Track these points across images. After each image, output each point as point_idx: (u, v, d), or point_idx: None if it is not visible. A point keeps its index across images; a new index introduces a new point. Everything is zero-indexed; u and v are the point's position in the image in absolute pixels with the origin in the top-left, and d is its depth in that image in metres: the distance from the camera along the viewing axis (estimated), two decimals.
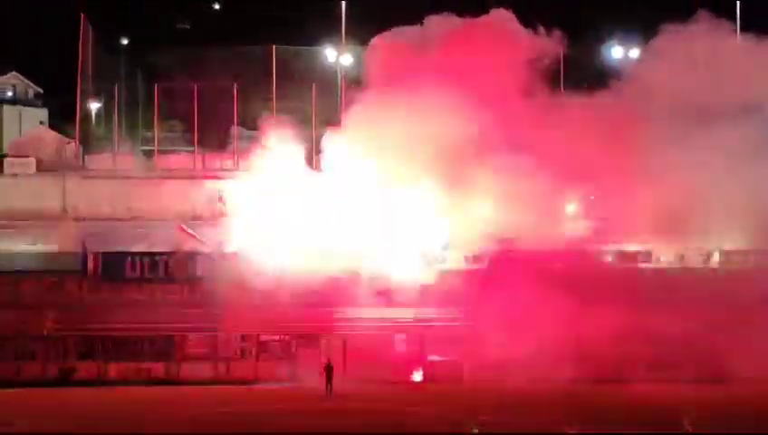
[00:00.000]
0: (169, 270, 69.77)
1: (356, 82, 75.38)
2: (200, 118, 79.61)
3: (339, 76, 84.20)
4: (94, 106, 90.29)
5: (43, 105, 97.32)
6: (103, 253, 70.69)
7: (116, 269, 70.09)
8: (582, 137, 66.48)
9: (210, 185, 73.89)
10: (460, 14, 70.62)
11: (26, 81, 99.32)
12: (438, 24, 70.46)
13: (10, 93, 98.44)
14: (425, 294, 68.30)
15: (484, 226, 68.29)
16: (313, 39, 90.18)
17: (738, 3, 79.26)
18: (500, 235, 67.78)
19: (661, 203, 65.89)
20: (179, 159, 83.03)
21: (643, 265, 70.04)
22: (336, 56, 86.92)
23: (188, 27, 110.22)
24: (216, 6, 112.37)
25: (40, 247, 71.80)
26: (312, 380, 62.82)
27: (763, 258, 68.04)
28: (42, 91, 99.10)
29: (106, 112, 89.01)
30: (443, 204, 68.88)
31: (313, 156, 72.97)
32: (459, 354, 66.77)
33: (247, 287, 65.94)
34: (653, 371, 63.17)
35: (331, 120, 74.28)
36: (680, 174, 65.83)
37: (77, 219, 73.79)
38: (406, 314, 68.42)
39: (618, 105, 68.02)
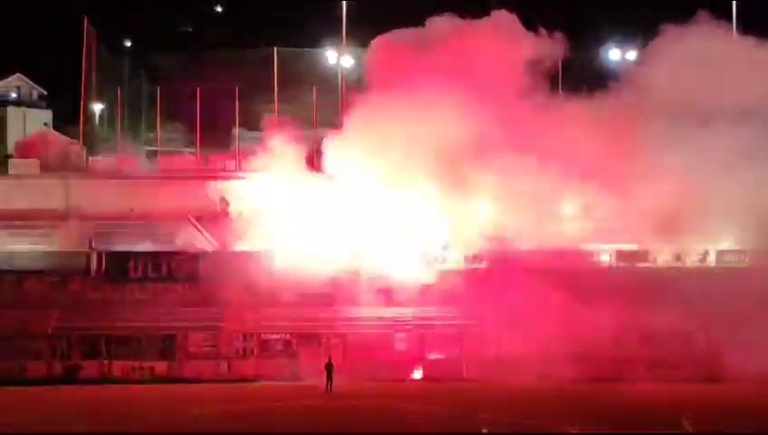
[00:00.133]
0: (172, 269, 70.35)
1: (357, 83, 75.71)
2: (202, 119, 79.90)
3: (340, 77, 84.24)
4: (98, 107, 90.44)
5: (47, 107, 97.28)
6: (107, 253, 71.33)
7: (119, 269, 70.70)
8: (582, 138, 66.81)
9: (213, 186, 74.10)
10: (461, 15, 70.90)
11: (30, 82, 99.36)
12: (439, 25, 70.72)
13: (14, 95, 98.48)
14: (425, 294, 68.71)
15: (484, 226, 68.69)
16: (314, 41, 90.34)
17: (734, 4, 79.30)
18: (500, 235, 68.15)
19: (659, 203, 66.21)
20: (182, 160, 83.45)
21: (641, 265, 70.39)
22: (337, 58, 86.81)
23: (191, 29, 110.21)
24: (219, 9, 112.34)
25: (44, 247, 72.33)
26: (312, 378, 63.20)
27: (760, 258, 68.31)
28: (46, 92, 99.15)
29: (109, 114, 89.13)
30: (443, 204, 69.23)
31: (314, 157, 73.19)
32: (459, 353, 67.20)
33: (249, 286, 66.47)
34: (653, 370, 63.27)
35: (332, 121, 74.55)
36: (678, 175, 66.14)
37: (81, 220, 74.19)
38: (406, 313, 68.89)
39: (617, 106, 68.30)
